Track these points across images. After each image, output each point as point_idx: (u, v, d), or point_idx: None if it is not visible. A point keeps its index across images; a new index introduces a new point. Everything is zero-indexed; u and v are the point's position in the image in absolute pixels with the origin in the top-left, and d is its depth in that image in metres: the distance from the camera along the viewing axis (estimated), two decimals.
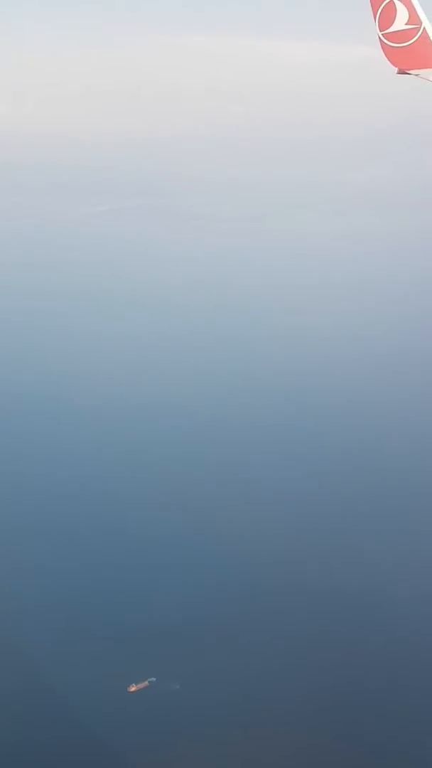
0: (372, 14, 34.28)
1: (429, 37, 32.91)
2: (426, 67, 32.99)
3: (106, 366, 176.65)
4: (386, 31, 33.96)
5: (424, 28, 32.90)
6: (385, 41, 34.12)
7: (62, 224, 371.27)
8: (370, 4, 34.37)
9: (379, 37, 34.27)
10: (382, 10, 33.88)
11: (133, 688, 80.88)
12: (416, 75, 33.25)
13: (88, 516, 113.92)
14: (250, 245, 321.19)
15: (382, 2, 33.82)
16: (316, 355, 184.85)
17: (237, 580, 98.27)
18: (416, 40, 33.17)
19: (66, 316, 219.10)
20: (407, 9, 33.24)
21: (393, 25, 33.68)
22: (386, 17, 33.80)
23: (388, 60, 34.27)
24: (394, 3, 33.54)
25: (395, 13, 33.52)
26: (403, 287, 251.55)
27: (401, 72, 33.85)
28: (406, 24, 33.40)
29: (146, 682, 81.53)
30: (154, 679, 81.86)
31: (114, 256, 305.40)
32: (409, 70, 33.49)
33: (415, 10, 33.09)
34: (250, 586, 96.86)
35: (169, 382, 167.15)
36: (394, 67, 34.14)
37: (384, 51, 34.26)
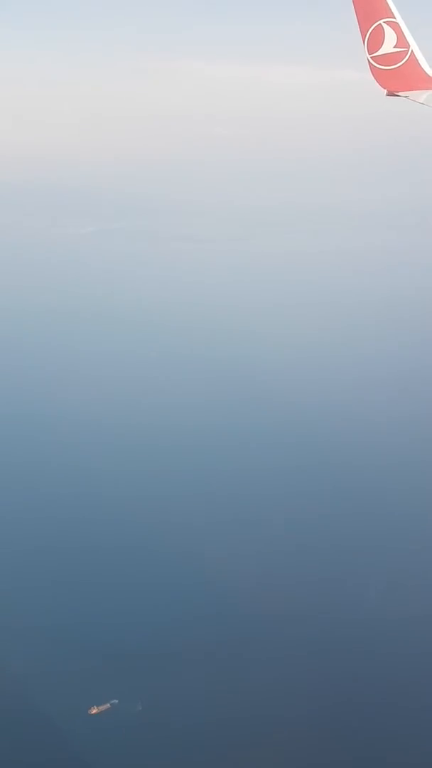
0: (361, 38, 34.81)
1: (417, 60, 33.52)
2: (414, 89, 33.53)
3: (96, 386, 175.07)
4: (375, 54, 34.54)
5: (412, 51, 33.54)
6: (374, 64, 34.70)
7: (47, 244, 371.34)
8: (358, 28, 34.90)
9: (368, 60, 34.83)
10: (370, 34, 34.45)
11: (94, 711, 79.30)
12: (405, 97, 33.76)
13: (65, 534, 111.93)
14: (239, 265, 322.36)
15: (371, 26, 34.40)
16: (311, 374, 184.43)
17: (215, 600, 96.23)
18: (404, 62, 33.76)
19: (53, 337, 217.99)
20: (395, 32, 33.86)
21: (381, 48, 34.28)
22: (375, 40, 34.40)
23: (377, 82, 34.87)
24: (382, 27, 34.13)
25: (384, 37, 34.14)
26: (394, 306, 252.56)
27: (390, 94, 34.43)
28: (394, 47, 34.00)
29: (108, 705, 79.99)
30: (116, 701, 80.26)
31: (100, 277, 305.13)
32: (397, 92, 34.02)
33: (402, 33, 33.72)
34: (228, 607, 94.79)
35: (162, 402, 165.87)
36: (383, 89, 34.68)
37: (373, 73, 34.86)
